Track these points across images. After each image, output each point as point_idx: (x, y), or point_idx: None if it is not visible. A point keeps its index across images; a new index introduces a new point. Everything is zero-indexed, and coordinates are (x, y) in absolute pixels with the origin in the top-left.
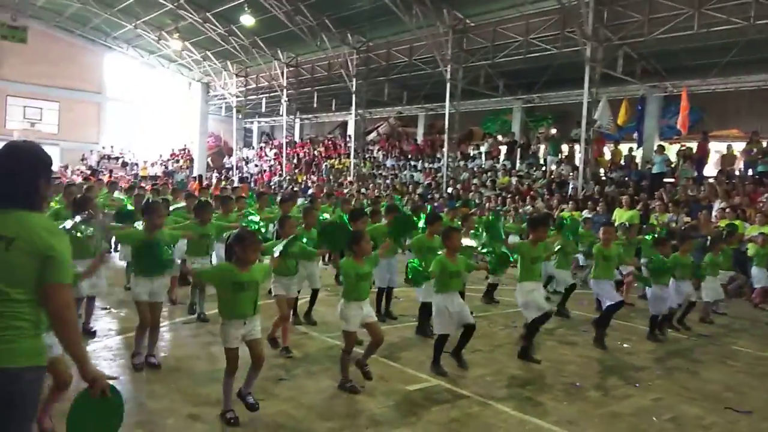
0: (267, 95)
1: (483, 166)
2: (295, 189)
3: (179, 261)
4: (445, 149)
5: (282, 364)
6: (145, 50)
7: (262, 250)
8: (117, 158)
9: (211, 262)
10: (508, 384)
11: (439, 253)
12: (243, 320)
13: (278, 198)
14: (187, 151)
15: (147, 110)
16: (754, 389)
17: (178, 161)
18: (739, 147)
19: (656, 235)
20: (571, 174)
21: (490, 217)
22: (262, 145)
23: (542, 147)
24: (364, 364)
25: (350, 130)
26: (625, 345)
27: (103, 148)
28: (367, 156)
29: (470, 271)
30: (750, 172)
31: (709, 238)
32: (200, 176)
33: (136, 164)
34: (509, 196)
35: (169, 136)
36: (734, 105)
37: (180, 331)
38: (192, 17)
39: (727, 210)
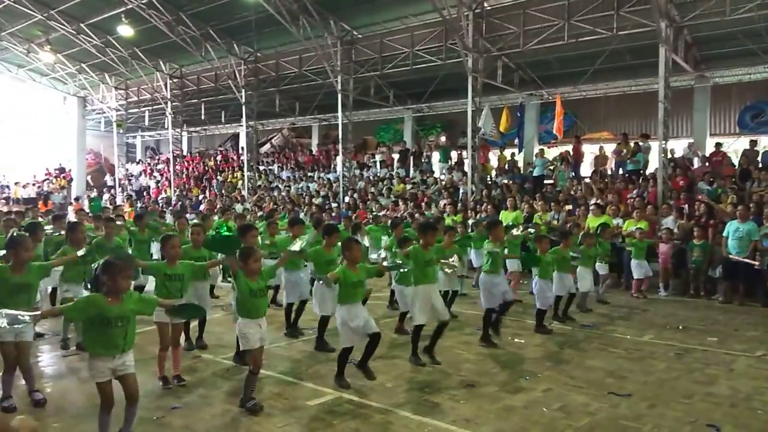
0: (150, 108)
1: (378, 174)
2: (184, 204)
3: (50, 289)
4: (339, 159)
5: (174, 391)
6: (13, 64)
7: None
8: None
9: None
10: (408, 389)
11: (340, 264)
12: (111, 355)
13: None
14: (64, 169)
15: (17, 128)
16: (633, 373)
17: (52, 181)
18: (609, 148)
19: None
20: (461, 180)
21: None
22: (148, 160)
23: (434, 154)
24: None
25: (242, 142)
26: (516, 340)
27: None
28: (261, 168)
29: (372, 277)
30: (620, 171)
31: (582, 233)
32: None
33: (7, 186)
34: (404, 203)
35: (43, 155)
36: (603, 109)
37: (60, 364)
38: (64, 28)
39: (593, 207)
